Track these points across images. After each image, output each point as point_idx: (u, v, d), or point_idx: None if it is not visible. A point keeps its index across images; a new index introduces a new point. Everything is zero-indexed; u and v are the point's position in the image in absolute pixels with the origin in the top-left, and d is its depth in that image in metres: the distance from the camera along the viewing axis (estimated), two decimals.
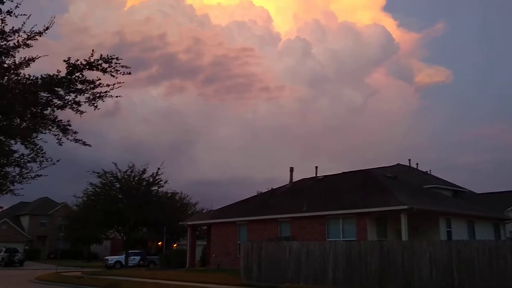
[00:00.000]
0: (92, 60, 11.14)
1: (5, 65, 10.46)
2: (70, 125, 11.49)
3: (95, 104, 11.36)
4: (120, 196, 42.89)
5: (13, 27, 10.00)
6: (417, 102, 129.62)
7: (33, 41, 10.55)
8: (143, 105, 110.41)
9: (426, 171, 42.77)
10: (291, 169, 36.53)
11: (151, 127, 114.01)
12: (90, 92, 11.33)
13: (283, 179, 37.67)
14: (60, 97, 11.16)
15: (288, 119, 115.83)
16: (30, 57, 10.93)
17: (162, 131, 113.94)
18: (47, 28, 10.34)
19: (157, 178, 43.63)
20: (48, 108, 11.10)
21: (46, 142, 11.56)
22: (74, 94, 11.26)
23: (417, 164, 43.57)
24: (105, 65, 11.35)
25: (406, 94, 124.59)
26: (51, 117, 11.31)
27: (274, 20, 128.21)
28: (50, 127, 11.42)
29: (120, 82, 11.46)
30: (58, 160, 12.34)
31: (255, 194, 41.62)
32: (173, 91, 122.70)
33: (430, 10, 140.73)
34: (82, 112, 11.43)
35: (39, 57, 11.09)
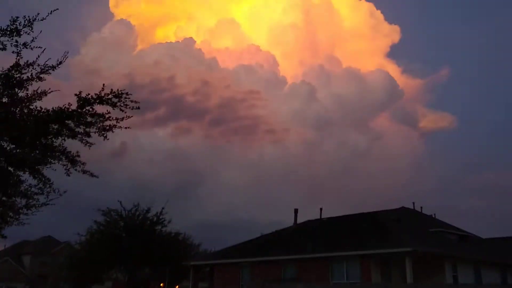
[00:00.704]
0: (102, 94, 11.48)
1: (18, 97, 10.81)
2: (79, 156, 11.74)
3: (105, 135, 11.63)
4: (123, 235, 42.70)
5: (27, 60, 10.40)
6: (422, 147, 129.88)
7: (46, 75, 10.94)
8: (150, 146, 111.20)
9: (431, 215, 42.44)
10: (296, 211, 36.44)
11: (157, 167, 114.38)
12: (100, 125, 11.63)
13: (287, 222, 37.54)
14: (70, 129, 11.45)
15: (294, 161, 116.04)
16: (42, 90, 11.30)
17: (168, 172, 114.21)
18: (61, 63, 10.73)
19: (161, 217, 43.55)
20: (59, 138, 11.37)
21: (55, 170, 11.77)
22: (84, 127, 11.55)
23: (421, 207, 43.31)
24: (115, 100, 11.68)
25: (411, 139, 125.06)
26: (61, 148, 11.56)
27: (280, 64, 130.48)
28: (59, 157, 11.66)
29: (129, 116, 11.77)
30: (65, 191, 12.52)
31: (259, 235, 41.32)
32: (180, 132, 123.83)
33: (434, 56, 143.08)
34: (91, 144, 11.68)
35: (51, 91, 11.46)
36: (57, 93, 11.87)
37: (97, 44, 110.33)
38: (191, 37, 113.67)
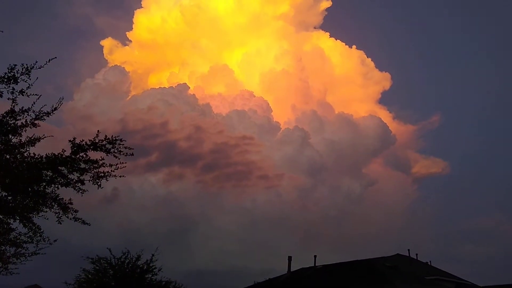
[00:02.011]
0: (96, 140, 11.43)
1: (12, 143, 10.72)
2: (71, 203, 11.55)
3: (99, 183, 11.50)
4: (113, 283, 41.59)
5: (22, 107, 10.39)
6: (415, 192, 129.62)
7: (41, 121, 10.90)
8: (141, 192, 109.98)
9: (426, 262, 41.90)
10: (289, 258, 35.83)
11: (149, 213, 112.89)
12: (93, 172, 11.51)
13: (281, 269, 36.84)
14: (63, 176, 11.31)
15: (287, 207, 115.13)
16: (36, 136, 11.23)
17: (160, 218, 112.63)
18: (55, 109, 10.73)
19: (151, 265, 42.57)
20: (52, 185, 11.21)
21: (47, 219, 11.53)
22: (78, 173, 11.43)
23: (416, 254, 42.78)
24: (109, 146, 11.63)
25: (404, 184, 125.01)
26: (53, 195, 11.38)
27: (273, 110, 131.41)
28: (51, 205, 11.46)
29: (123, 163, 11.69)
30: (55, 240, 12.24)
31: (252, 284, 40.43)
32: (172, 178, 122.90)
33: (425, 103, 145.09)
34: (84, 191, 11.53)
35: (45, 136, 11.39)
36: (50, 138, 11.80)
37: (90, 90, 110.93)
38: (184, 83, 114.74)
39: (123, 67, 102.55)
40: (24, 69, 9.62)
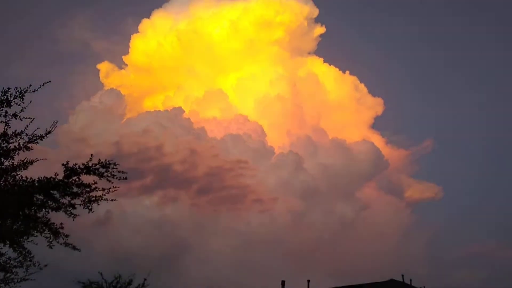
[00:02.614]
0: (90, 164, 11.39)
1: (3, 167, 10.65)
2: (62, 228, 11.43)
3: (90, 207, 11.41)
4: None
5: (15, 130, 10.36)
6: (408, 217, 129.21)
7: (34, 144, 10.87)
8: (135, 215, 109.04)
9: None
10: (283, 283, 35.46)
11: (142, 237, 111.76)
12: (85, 196, 11.45)
13: None
14: (55, 200, 11.23)
15: (281, 231, 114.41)
16: (29, 159, 11.19)
17: (153, 241, 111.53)
18: (49, 132, 10.71)
19: None
20: (43, 210, 11.11)
21: (36, 244, 11.39)
22: (70, 197, 11.35)
23: (410, 280, 42.45)
24: (102, 170, 11.59)
25: (397, 209, 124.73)
26: (44, 219, 11.27)
27: (268, 135, 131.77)
28: (41, 229, 11.34)
29: (115, 187, 11.64)
30: (45, 265, 12.07)
31: None
32: (166, 201, 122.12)
33: (418, 128, 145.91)
34: (75, 216, 11.43)
35: (38, 160, 11.35)
36: (44, 161, 11.76)
37: (86, 113, 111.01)
38: (179, 107, 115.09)
39: (119, 90, 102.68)
40: (17, 92, 9.63)
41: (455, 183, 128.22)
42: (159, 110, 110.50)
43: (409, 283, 41.91)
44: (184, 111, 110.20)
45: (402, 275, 42.64)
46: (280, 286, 35.66)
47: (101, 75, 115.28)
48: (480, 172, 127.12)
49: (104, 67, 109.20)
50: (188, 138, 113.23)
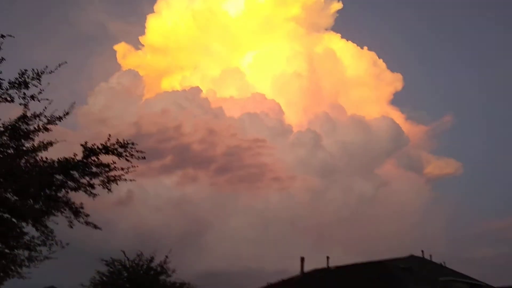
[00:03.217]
0: (108, 144, 11.50)
1: (24, 148, 10.82)
2: (82, 207, 11.62)
3: (109, 187, 11.56)
4: (127, 285, 41.82)
5: (34, 112, 10.49)
6: (428, 193, 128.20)
7: (53, 125, 11.00)
8: (155, 194, 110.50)
9: (441, 263, 41.39)
10: (302, 259, 35.73)
11: (163, 216, 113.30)
12: (104, 176, 11.59)
13: (294, 271, 36.72)
14: (74, 180, 11.39)
15: (300, 209, 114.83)
16: (48, 141, 11.34)
17: (173, 220, 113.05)
18: (67, 113, 10.82)
19: (165, 267, 42.72)
20: (62, 190, 11.28)
21: (57, 224, 11.61)
22: (89, 177, 11.51)
23: (430, 255, 42.29)
24: (120, 150, 11.70)
25: (417, 185, 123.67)
26: (64, 199, 11.47)
27: (285, 113, 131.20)
28: (62, 209, 11.54)
29: (134, 167, 11.76)
30: (67, 244, 12.28)
31: (265, 285, 40.38)
32: (186, 181, 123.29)
33: (437, 104, 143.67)
34: (95, 195, 11.61)
35: (58, 142, 11.50)
36: (64, 142, 11.91)
37: (104, 94, 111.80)
38: (197, 86, 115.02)
39: (137, 71, 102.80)
40: (35, 74, 9.71)
41: (475, 159, 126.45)
42: (177, 90, 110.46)
43: (429, 258, 41.80)
44: (202, 91, 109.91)
45: (422, 251, 42.54)
46: (300, 263, 35.98)
47: (118, 56, 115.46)
48: (499, 148, 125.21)
49: (120, 48, 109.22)
50: (206, 117, 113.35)
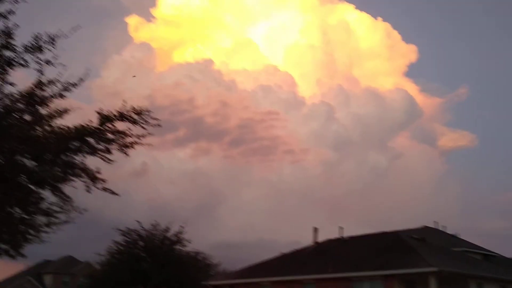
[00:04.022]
0: (124, 111, 11.52)
1: (40, 115, 10.88)
2: (99, 172, 11.72)
3: (126, 152, 11.64)
4: (143, 254, 42.59)
5: (49, 78, 10.48)
6: (442, 166, 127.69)
7: (68, 92, 11.01)
8: (169, 167, 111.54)
9: (454, 234, 41.43)
10: (315, 229, 35.94)
11: (177, 188, 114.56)
12: (120, 142, 11.65)
13: (306, 242, 36.99)
14: (90, 147, 11.47)
15: (313, 181, 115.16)
16: (64, 108, 11.39)
17: (188, 192, 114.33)
18: (82, 80, 10.81)
19: (180, 237, 43.37)
20: (79, 154, 11.38)
21: (76, 188, 11.75)
22: (105, 143, 11.57)
23: (444, 227, 42.32)
24: (135, 117, 11.72)
25: (431, 158, 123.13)
26: (81, 165, 11.57)
27: (298, 85, 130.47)
28: (79, 175, 11.66)
29: (150, 134, 11.80)
30: (85, 210, 12.48)
31: (279, 255, 40.79)
32: (200, 153, 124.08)
33: (451, 75, 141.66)
34: (111, 161, 11.69)
35: (73, 109, 11.55)
36: (79, 113, 11.95)
37: (118, 67, 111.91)
38: (209, 59, 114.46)
39: (149, 44, 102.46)
40: (49, 38, 9.67)
41: (489, 132, 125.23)
42: (190, 63, 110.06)
43: (442, 230, 41.82)
44: (214, 63, 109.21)
45: (436, 222, 42.55)
46: (312, 234, 36.21)
47: (130, 29, 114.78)
48: None
49: (133, 20, 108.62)
50: (218, 90, 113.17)
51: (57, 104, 11.13)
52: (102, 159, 11.73)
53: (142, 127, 11.90)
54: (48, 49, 9.72)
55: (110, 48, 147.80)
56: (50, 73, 10.50)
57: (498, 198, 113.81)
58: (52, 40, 9.68)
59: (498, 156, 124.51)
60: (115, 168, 12.43)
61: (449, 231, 42.01)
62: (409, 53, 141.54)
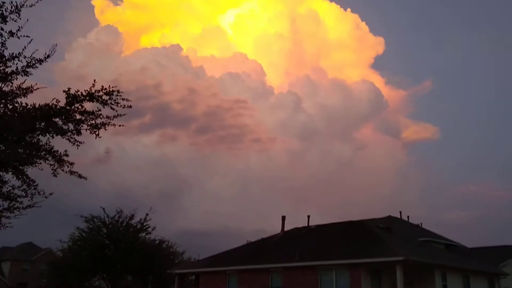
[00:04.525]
0: (93, 91, 10.94)
1: (2, 91, 10.15)
2: (67, 155, 11.10)
3: (97, 133, 11.07)
4: (107, 242, 41.79)
5: (12, 53, 9.76)
6: (405, 158, 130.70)
7: (33, 69, 10.32)
8: (134, 153, 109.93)
9: (417, 224, 42.25)
10: (283, 218, 35.91)
11: (142, 175, 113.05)
12: (89, 123, 11.07)
13: (273, 230, 36.99)
14: (57, 128, 10.84)
15: (280, 170, 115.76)
16: (28, 86, 10.70)
17: (153, 179, 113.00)
18: (48, 56, 10.14)
19: (144, 224, 42.75)
20: (46, 135, 10.73)
21: (42, 170, 11.08)
22: (73, 125, 10.97)
23: (408, 217, 43.09)
24: (105, 97, 11.17)
25: (394, 149, 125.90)
26: (47, 147, 10.93)
27: (267, 74, 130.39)
28: (45, 157, 11.01)
29: (120, 115, 11.26)
30: (51, 194, 11.80)
31: (245, 243, 40.67)
32: (166, 140, 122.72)
33: (416, 68, 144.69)
34: (79, 143, 11.10)
35: (38, 88, 10.86)
36: (42, 95, 11.26)
37: (82, 50, 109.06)
38: (177, 44, 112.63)
39: (116, 27, 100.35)
40: (13, 7, 8.96)
41: (452, 124, 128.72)
42: (157, 48, 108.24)
43: (406, 219, 42.54)
44: (182, 49, 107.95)
45: (400, 212, 43.25)
46: (278, 223, 36.19)
47: (96, 11, 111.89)
48: (476, 114, 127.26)
49: (99, 3, 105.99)
50: (186, 76, 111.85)
51: (20, 81, 10.43)
52: (69, 140, 11.11)
53: (112, 109, 11.36)
54: (13, 19, 9.02)
55: (75, 31, 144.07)
56: (12, 47, 9.80)
57: (459, 189, 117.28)
58: (17, 10, 8.98)
59: (460, 148, 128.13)
60: (79, 153, 11.84)
61: (411, 221, 42.81)
62: (376, 45, 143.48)
